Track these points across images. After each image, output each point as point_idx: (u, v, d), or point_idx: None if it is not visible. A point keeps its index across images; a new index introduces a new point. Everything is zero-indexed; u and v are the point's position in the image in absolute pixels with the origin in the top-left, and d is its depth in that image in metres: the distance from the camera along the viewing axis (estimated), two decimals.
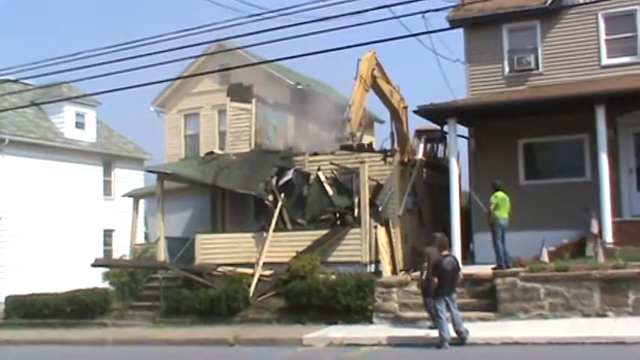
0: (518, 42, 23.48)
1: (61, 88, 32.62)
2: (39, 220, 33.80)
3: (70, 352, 20.20)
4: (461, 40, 24.24)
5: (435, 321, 16.31)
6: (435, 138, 28.32)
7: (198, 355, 17.89)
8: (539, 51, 23.12)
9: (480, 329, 16.71)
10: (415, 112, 22.20)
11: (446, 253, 16.59)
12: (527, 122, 22.16)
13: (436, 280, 16.13)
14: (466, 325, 16.17)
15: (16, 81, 28.03)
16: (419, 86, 26.09)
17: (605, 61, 22.48)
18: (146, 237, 35.72)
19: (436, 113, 22.28)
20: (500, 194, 19.50)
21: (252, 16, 16.95)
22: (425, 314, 17.98)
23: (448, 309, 16.05)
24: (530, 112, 21.64)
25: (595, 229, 19.98)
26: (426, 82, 31.97)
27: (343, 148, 24.21)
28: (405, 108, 24.75)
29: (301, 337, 18.10)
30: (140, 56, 17.93)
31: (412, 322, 18.64)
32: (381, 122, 35.52)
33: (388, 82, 24.04)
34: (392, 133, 25.13)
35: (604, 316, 17.24)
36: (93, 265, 25.04)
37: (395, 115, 24.73)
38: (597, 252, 19.13)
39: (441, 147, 28.95)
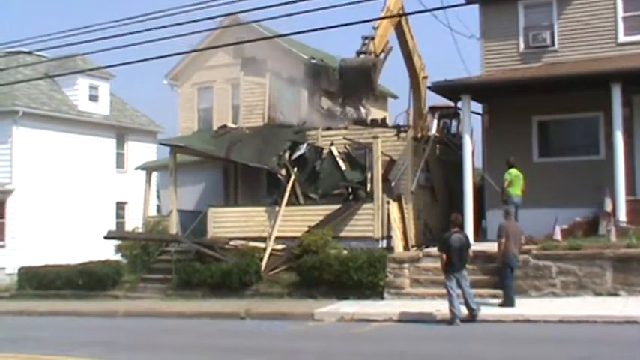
0: (533, 18, 23.29)
1: (75, 61, 32.55)
2: (52, 192, 33.96)
3: (82, 323, 20.30)
4: (476, 16, 24.05)
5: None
6: (449, 114, 28.20)
7: (211, 328, 17.93)
8: (555, 28, 22.92)
9: (491, 306, 16.73)
10: (429, 88, 22.14)
11: (456, 230, 16.60)
12: (542, 99, 22.03)
13: (444, 256, 16.20)
14: (477, 302, 16.22)
15: (30, 53, 28.04)
16: (433, 63, 25.80)
17: (622, 38, 22.28)
18: (158, 210, 35.92)
19: (450, 89, 22.17)
20: (513, 171, 19.42)
21: None
22: (433, 290, 18.06)
23: (459, 285, 16.06)
24: (545, 89, 21.48)
25: (608, 207, 19.88)
26: (441, 58, 31.75)
27: (356, 123, 24.11)
28: (425, 78, 24.57)
29: (312, 312, 18.16)
30: (154, 29, 17.85)
31: (423, 298, 18.68)
32: (395, 98, 35.37)
33: (412, 37, 23.87)
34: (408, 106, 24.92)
35: (616, 295, 17.22)
36: (105, 238, 25.15)
37: (414, 82, 24.51)
38: (610, 231, 19.06)
39: (454, 124, 28.84)
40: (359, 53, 23.03)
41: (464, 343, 14.03)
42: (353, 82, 22.82)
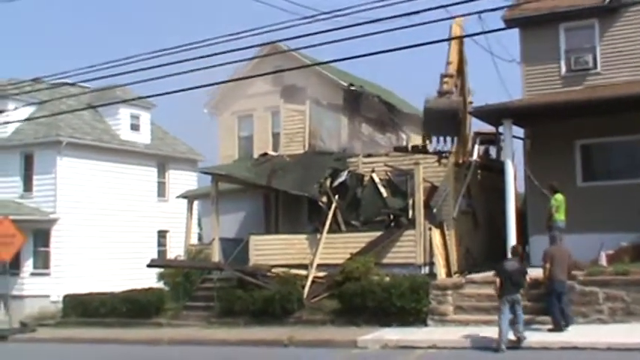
0: (575, 41, 23.07)
1: (114, 91, 32.97)
2: (95, 220, 34.29)
3: (129, 351, 20.41)
4: (516, 40, 23.94)
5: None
6: (488, 140, 28.05)
7: (255, 356, 17.97)
8: (597, 50, 22.69)
9: (537, 333, 16.53)
10: (470, 113, 22.00)
11: (512, 258, 16.96)
12: (585, 123, 21.78)
13: (498, 280, 16.27)
14: (522, 329, 16.09)
15: (73, 84, 28.43)
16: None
17: None
18: (199, 238, 36.08)
19: (492, 114, 22.00)
20: (559, 196, 19.26)
21: (305, 18, 16.94)
22: (477, 317, 17.94)
23: (512, 311, 16.01)
24: (588, 112, 21.24)
25: None
26: (480, 84, 31.67)
27: (397, 149, 24.08)
28: (471, 103, 24.49)
29: (355, 339, 18.08)
30: (193, 59, 18.04)
31: (467, 325, 18.49)
32: None
33: (466, 62, 23.90)
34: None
35: None
36: (149, 266, 25.33)
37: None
38: None
39: (493, 149, 28.71)
40: (440, 93, 22.64)
41: None
42: (437, 124, 22.48)
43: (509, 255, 17.05)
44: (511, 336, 15.88)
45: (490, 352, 15.66)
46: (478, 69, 26.82)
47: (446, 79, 22.64)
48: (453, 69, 22.89)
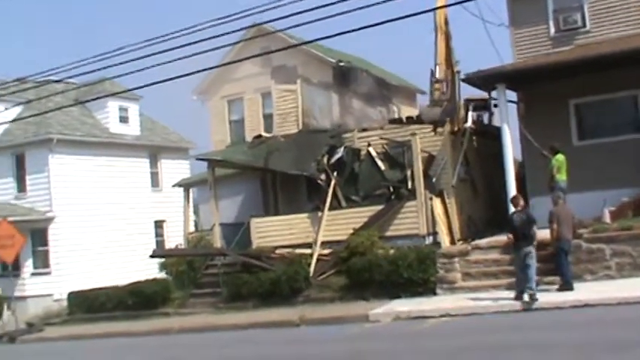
0: (562, 1, 23.04)
1: (103, 85, 32.80)
2: (91, 215, 34.26)
3: (141, 342, 20.33)
4: (504, 3, 23.85)
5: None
6: (480, 106, 28.01)
7: (270, 337, 17.93)
8: (585, 8, 22.66)
9: (547, 293, 16.60)
10: (463, 80, 21.98)
11: (518, 209, 17.05)
12: (577, 82, 21.76)
13: (510, 235, 16.72)
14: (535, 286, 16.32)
15: (59, 81, 28.25)
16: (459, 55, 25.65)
17: None
18: (196, 226, 36.06)
19: (484, 80, 21.95)
20: (560, 157, 19.31)
21: None
22: (485, 282, 18.05)
23: (525, 263, 16.38)
24: (580, 71, 21.21)
25: None
26: (465, 50, 31.61)
27: (392, 122, 24.07)
28: (458, 72, 24.48)
29: (367, 313, 18.07)
30: (178, 47, 17.93)
31: (476, 291, 18.55)
32: (423, 93, 35.22)
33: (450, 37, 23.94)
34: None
35: None
36: (152, 256, 25.32)
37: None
38: None
39: (484, 115, 28.68)
40: (433, 102, 23.15)
41: (529, 332, 13.92)
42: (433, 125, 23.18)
43: (511, 207, 17.28)
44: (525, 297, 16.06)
45: (502, 315, 15.75)
46: (468, 35, 26.74)
47: (437, 86, 22.96)
48: (442, 72, 22.90)
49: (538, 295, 16.04)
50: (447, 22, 23.38)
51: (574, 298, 15.89)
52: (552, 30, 23.10)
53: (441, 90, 22.82)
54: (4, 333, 25.03)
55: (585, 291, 16.41)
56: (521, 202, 17.50)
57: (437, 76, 22.81)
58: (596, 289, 16.57)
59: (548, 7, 23.10)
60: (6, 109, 29.44)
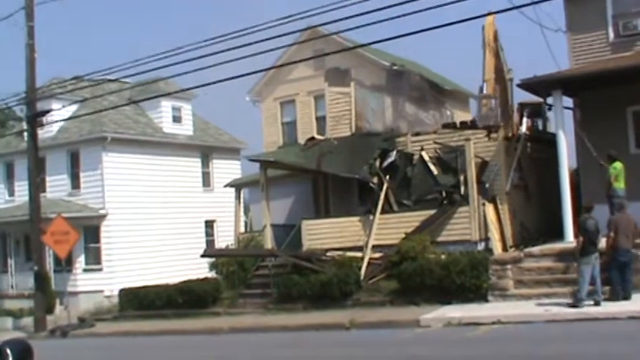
0: (622, 6, 22.64)
1: (157, 84, 33.19)
2: (143, 213, 34.63)
3: (192, 341, 20.45)
4: (561, 9, 23.54)
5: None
6: (535, 111, 27.70)
7: (319, 340, 17.89)
8: None
9: (603, 303, 16.33)
10: (519, 85, 21.72)
11: (589, 215, 17.04)
12: (636, 89, 21.38)
13: (581, 239, 16.61)
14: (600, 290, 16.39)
15: (114, 80, 28.67)
16: (513, 61, 25.44)
17: None
18: (246, 226, 36.24)
19: (541, 85, 21.66)
20: (618, 164, 19.02)
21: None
22: (538, 290, 17.86)
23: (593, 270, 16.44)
24: (638, 78, 20.87)
25: None
26: (521, 56, 31.31)
27: (445, 126, 23.92)
28: (511, 80, 24.28)
29: (418, 318, 17.93)
30: (234, 48, 18.07)
31: (529, 299, 18.34)
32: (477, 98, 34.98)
33: (501, 49, 23.76)
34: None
35: None
36: (202, 256, 25.45)
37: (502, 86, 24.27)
38: None
39: (538, 121, 28.35)
40: (481, 117, 23.18)
41: (584, 343, 13.71)
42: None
43: (585, 213, 17.17)
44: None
45: (554, 324, 15.52)
46: (525, 41, 26.43)
47: (484, 102, 22.96)
48: (490, 88, 22.79)
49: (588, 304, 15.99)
50: (496, 39, 23.15)
51: (631, 309, 15.60)
52: (611, 35, 22.69)
53: (489, 106, 22.66)
54: (56, 327, 25.39)
55: None
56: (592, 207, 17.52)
57: (485, 91, 22.65)
58: None
59: (607, 12, 22.70)
60: (63, 106, 29.90)
